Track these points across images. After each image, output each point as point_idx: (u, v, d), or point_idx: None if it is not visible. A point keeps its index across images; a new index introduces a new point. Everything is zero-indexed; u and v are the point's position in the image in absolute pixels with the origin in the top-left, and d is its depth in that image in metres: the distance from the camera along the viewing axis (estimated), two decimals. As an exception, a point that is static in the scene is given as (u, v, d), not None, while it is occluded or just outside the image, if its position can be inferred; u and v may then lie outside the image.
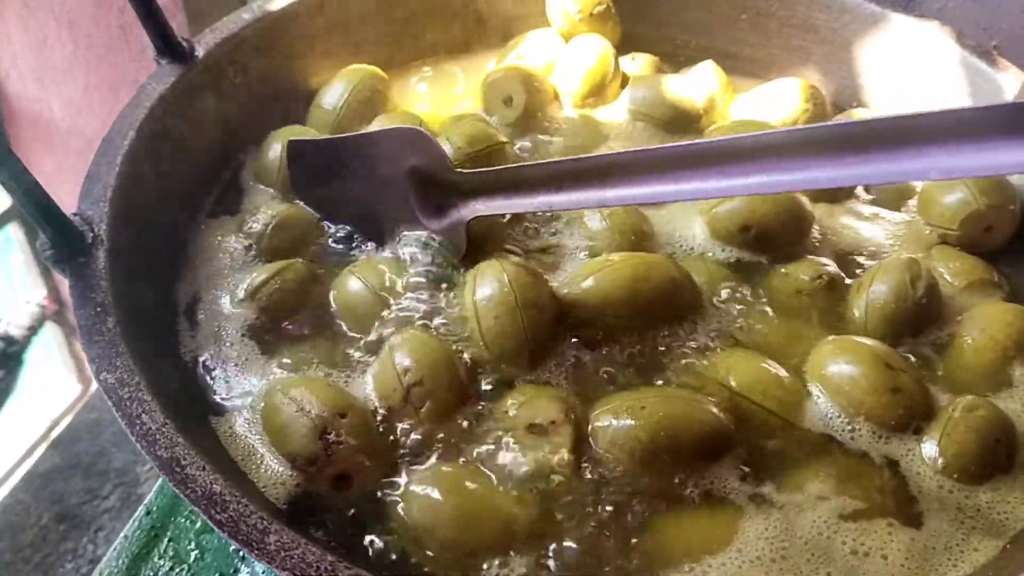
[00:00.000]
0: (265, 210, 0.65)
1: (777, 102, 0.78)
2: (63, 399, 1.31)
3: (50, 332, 1.42)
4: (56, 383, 1.36)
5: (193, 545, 0.64)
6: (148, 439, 0.45)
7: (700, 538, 0.49)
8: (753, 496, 0.51)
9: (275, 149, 0.69)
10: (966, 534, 0.49)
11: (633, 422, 0.52)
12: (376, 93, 0.76)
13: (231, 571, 0.62)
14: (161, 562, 0.63)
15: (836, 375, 0.55)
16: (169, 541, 0.64)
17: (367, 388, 0.55)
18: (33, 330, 1.34)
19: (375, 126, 0.72)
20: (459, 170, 0.61)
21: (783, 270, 0.64)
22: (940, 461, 0.52)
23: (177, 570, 0.63)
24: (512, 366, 0.56)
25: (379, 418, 0.53)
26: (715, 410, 0.53)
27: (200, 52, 0.68)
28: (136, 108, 0.63)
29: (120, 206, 0.57)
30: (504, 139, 0.70)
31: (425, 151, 0.61)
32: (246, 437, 0.52)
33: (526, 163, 0.61)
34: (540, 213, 0.66)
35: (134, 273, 0.55)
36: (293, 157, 0.66)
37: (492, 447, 0.52)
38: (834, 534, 0.49)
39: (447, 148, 0.66)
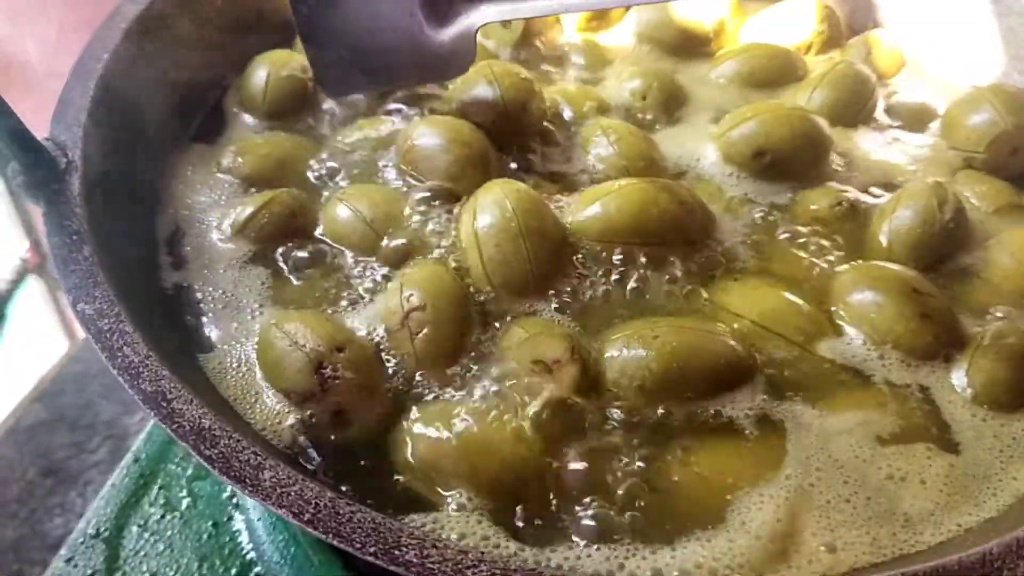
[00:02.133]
0: (248, 138, 0.61)
1: (790, 24, 0.74)
2: (49, 355, 1.27)
3: (34, 286, 1.38)
4: (41, 337, 1.32)
5: (185, 492, 0.61)
6: (131, 372, 0.41)
7: (729, 471, 0.46)
8: (777, 424, 0.48)
9: (259, 75, 0.65)
10: (1004, 462, 0.47)
11: (644, 352, 0.48)
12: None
13: (224, 518, 0.60)
14: (152, 510, 0.60)
15: (861, 302, 0.52)
16: (160, 488, 0.61)
17: (371, 321, 0.52)
18: (15, 283, 1.30)
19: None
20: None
21: (800, 196, 0.60)
22: (969, 391, 0.49)
23: (168, 518, 0.60)
24: (515, 296, 0.52)
25: (382, 353, 0.50)
26: (731, 340, 0.50)
27: (176, -27, 0.64)
28: (110, 30, 0.59)
29: (95, 132, 0.53)
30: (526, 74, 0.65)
31: None
32: (238, 375, 0.49)
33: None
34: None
35: (111, 201, 0.52)
36: None
37: (496, 384, 0.49)
38: (870, 458, 0.46)
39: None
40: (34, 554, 0.85)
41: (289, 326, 0.49)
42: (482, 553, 0.37)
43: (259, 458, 0.38)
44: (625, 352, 0.49)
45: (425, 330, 0.50)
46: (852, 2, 0.78)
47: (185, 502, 0.60)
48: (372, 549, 0.36)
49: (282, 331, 0.48)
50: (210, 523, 0.59)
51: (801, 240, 0.58)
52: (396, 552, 0.36)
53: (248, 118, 0.65)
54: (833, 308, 0.53)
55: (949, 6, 0.72)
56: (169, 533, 0.59)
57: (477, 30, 0.59)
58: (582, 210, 0.56)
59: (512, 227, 0.52)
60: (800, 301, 0.53)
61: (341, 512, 0.37)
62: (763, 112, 0.62)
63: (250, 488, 0.37)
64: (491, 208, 0.53)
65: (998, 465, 0.46)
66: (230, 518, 0.59)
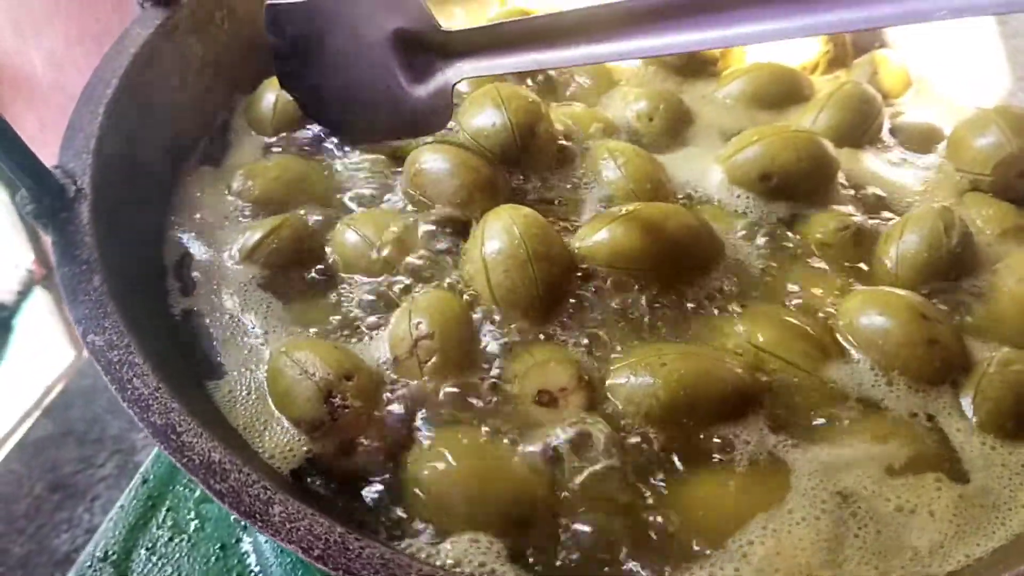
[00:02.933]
0: (257, 161, 0.62)
1: (796, 44, 0.74)
2: (55, 366, 1.28)
3: (40, 298, 1.39)
4: (47, 350, 1.32)
5: (193, 515, 0.61)
6: (141, 404, 0.42)
7: (734, 502, 0.46)
8: (783, 454, 0.48)
9: (268, 98, 0.65)
10: (1013, 491, 0.47)
11: (652, 380, 0.49)
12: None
13: (233, 540, 0.60)
14: (160, 532, 0.61)
15: (868, 327, 0.52)
16: (168, 511, 0.62)
17: (380, 348, 0.52)
18: (22, 295, 1.31)
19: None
20: (444, 29, 0.58)
21: (807, 220, 0.60)
22: (975, 419, 0.49)
23: (176, 540, 0.60)
24: (524, 322, 0.52)
25: (389, 382, 0.50)
26: (739, 368, 0.50)
27: (185, -5, 0.64)
28: (119, 55, 0.59)
29: (104, 158, 0.53)
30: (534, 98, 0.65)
31: (408, 11, 0.58)
32: (247, 403, 0.49)
33: (512, 19, 0.58)
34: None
35: (120, 228, 0.52)
36: (272, 25, 0.62)
37: (506, 413, 0.49)
38: (879, 490, 0.46)
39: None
40: (41, 570, 0.85)
41: (299, 354, 0.49)
42: (492, 588, 0.37)
43: (269, 492, 0.39)
44: (632, 379, 0.49)
45: (434, 358, 0.50)
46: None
47: (193, 524, 0.61)
48: (381, 585, 0.36)
49: (292, 359, 0.49)
50: (218, 545, 0.60)
51: (808, 264, 0.58)
52: (405, 588, 0.36)
53: (258, 139, 0.65)
54: (840, 334, 0.53)
55: (955, 26, 0.72)
56: (177, 556, 0.59)
57: (454, 86, 0.60)
58: (590, 235, 0.56)
59: (520, 253, 0.52)
60: (807, 327, 0.53)
61: (351, 548, 0.37)
62: (769, 135, 0.62)
63: (260, 523, 0.38)
64: (499, 234, 0.53)
65: (1007, 494, 0.46)
66: (238, 540, 0.60)
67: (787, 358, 0.51)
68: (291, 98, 0.65)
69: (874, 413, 0.50)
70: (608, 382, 0.50)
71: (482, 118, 0.62)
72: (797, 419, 0.49)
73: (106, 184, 0.52)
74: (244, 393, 0.50)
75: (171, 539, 0.60)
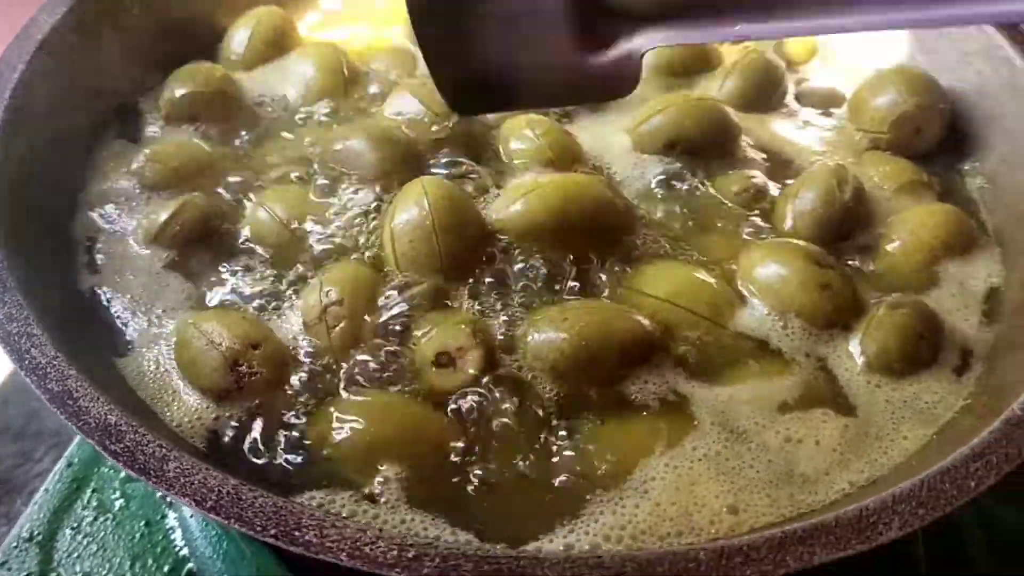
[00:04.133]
0: (158, 145, 0.62)
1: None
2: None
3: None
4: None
5: (118, 494, 0.62)
6: (38, 373, 0.42)
7: (639, 443, 0.48)
8: (687, 397, 0.50)
9: (172, 88, 0.66)
10: (896, 424, 0.49)
11: (555, 334, 0.50)
12: (280, 33, 0.72)
13: (158, 517, 0.60)
14: (85, 512, 0.61)
15: (766, 275, 0.54)
16: (93, 492, 0.62)
17: (293, 321, 0.53)
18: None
19: (291, 62, 0.70)
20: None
21: (712, 183, 0.62)
22: (862, 359, 0.52)
23: (102, 519, 0.61)
24: (429, 290, 0.53)
25: (301, 351, 0.51)
26: (638, 316, 0.52)
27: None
28: (27, 40, 0.60)
29: (12, 138, 0.54)
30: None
31: None
32: (156, 375, 0.50)
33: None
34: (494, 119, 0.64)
35: (28, 206, 0.52)
36: None
37: (410, 375, 0.50)
38: (769, 423, 0.48)
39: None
40: (-20, 565, 0.85)
41: (206, 325, 0.50)
42: (380, 530, 0.38)
43: (164, 450, 0.39)
44: (537, 336, 0.51)
45: (342, 324, 0.51)
46: (766, -8, 0.80)
47: (118, 503, 0.61)
48: (272, 531, 0.37)
49: (199, 330, 0.49)
50: (143, 523, 0.60)
51: (715, 225, 0.60)
52: (296, 533, 0.37)
53: (170, 124, 0.66)
54: (741, 283, 0.55)
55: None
56: (102, 534, 0.60)
57: (643, 55, 0.55)
58: (506, 206, 0.57)
59: (427, 224, 0.53)
60: (710, 278, 0.55)
61: (243, 498, 0.38)
62: (672, 104, 0.64)
63: (154, 479, 0.38)
64: (409, 205, 0.55)
65: (890, 426, 0.49)
66: (163, 516, 0.60)
67: (689, 307, 0.53)
68: (205, 89, 0.65)
69: (770, 355, 0.52)
70: (515, 339, 0.51)
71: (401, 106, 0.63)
72: (699, 363, 0.51)
73: (14, 162, 0.53)
74: (152, 367, 0.50)
75: (96, 518, 0.61)
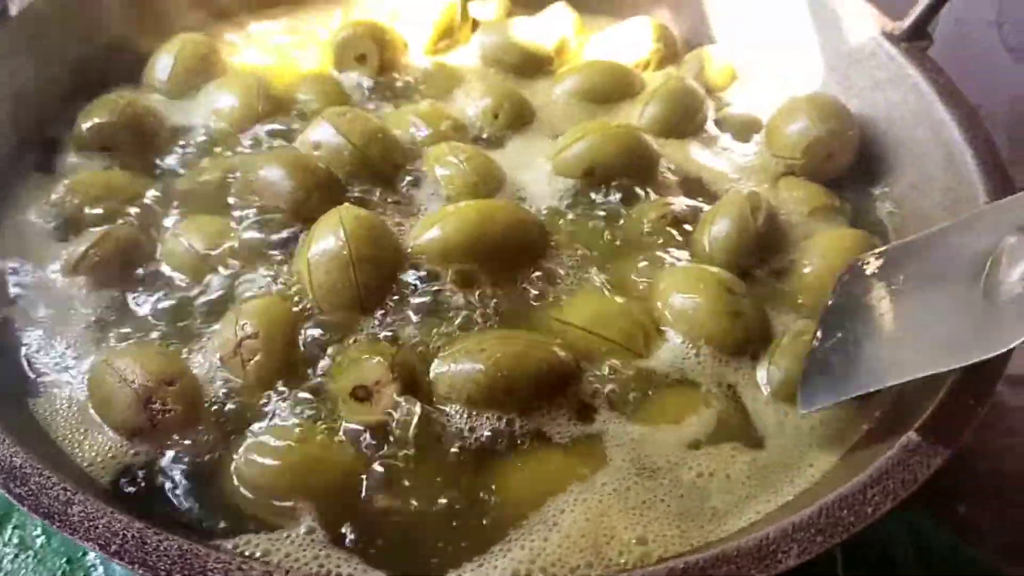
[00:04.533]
0: (77, 176, 0.62)
1: (629, 42, 0.77)
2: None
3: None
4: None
5: (39, 531, 0.61)
6: (-62, 417, 0.42)
7: (551, 477, 0.48)
8: (600, 433, 0.51)
9: (83, 120, 0.65)
10: (803, 451, 0.50)
11: (472, 365, 0.50)
12: (203, 60, 0.72)
13: (79, 554, 0.59)
14: (6, 550, 0.60)
15: (679, 302, 0.55)
16: (14, 528, 0.61)
17: (208, 351, 0.53)
18: None
19: (213, 90, 0.70)
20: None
21: (631, 210, 0.63)
22: (767, 387, 0.53)
23: (23, 556, 0.60)
24: (345, 321, 0.54)
25: (218, 384, 0.51)
26: (557, 348, 0.52)
27: (14, 9, 0.64)
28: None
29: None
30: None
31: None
32: (69, 414, 0.50)
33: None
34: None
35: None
36: (878, 270, 0.52)
37: (327, 409, 0.50)
38: (682, 460, 0.49)
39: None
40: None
41: (119, 362, 0.49)
42: (287, 572, 0.38)
43: (68, 493, 0.39)
44: (453, 367, 0.51)
45: (257, 357, 0.51)
46: (689, 20, 0.81)
47: (39, 541, 0.60)
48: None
49: (112, 367, 0.49)
50: (64, 560, 0.59)
51: (633, 250, 0.61)
52: (202, 576, 0.37)
53: (87, 154, 0.65)
54: (656, 310, 0.56)
55: (776, 23, 0.76)
56: (23, 571, 0.59)
57: None
58: (422, 233, 0.58)
59: (343, 255, 0.54)
60: (628, 306, 0.56)
61: (148, 542, 0.38)
62: (592, 131, 0.65)
63: (59, 523, 0.38)
64: (326, 236, 0.55)
65: (797, 454, 0.50)
66: (84, 553, 0.59)
67: (608, 336, 0.54)
68: (125, 116, 0.65)
69: (683, 387, 0.53)
70: (432, 372, 0.51)
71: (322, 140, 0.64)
72: (616, 395, 0.52)
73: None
74: (65, 405, 0.50)
75: (17, 555, 0.59)
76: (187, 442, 0.48)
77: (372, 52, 0.74)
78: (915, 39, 0.67)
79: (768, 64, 0.77)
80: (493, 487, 0.48)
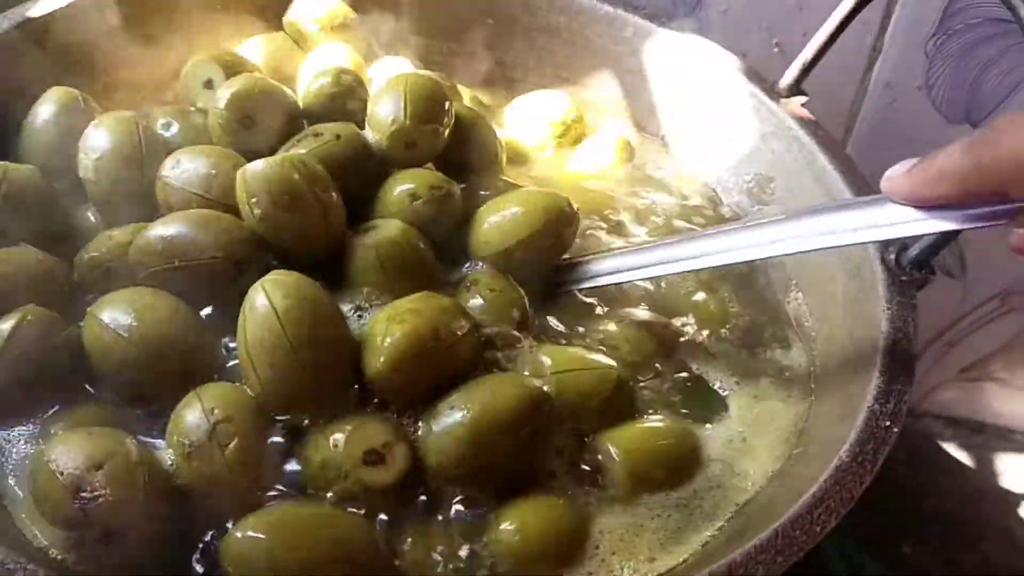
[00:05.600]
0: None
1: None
2: None
3: None
4: None
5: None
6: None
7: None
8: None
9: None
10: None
11: (451, 420, 0.50)
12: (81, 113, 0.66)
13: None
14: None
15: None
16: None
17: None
18: None
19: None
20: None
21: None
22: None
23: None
24: (308, 412, 0.51)
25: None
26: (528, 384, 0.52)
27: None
28: None
29: None
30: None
31: None
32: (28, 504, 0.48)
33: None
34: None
35: None
36: None
37: (336, 481, 0.49)
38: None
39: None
40: None
41: (53, 452, 0.46)
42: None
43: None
44: (434, 427, 0.50)
45: (235, 440, 0.48)
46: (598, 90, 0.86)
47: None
48: None
49: (47, 458, 0.46)
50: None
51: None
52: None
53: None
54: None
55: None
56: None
57: None
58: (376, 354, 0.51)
59: (283, 342, 0.49)
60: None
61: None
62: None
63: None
64: (258, 322, 0.49)
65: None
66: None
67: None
68: (23, 190, 0.60)
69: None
70: (418, 442, 0.51)
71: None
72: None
73: None
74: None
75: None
76: (127, 529, 0.46)
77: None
78: (793, 95, 0.73)
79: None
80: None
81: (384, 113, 0.64)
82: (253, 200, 0.56)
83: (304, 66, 0.79)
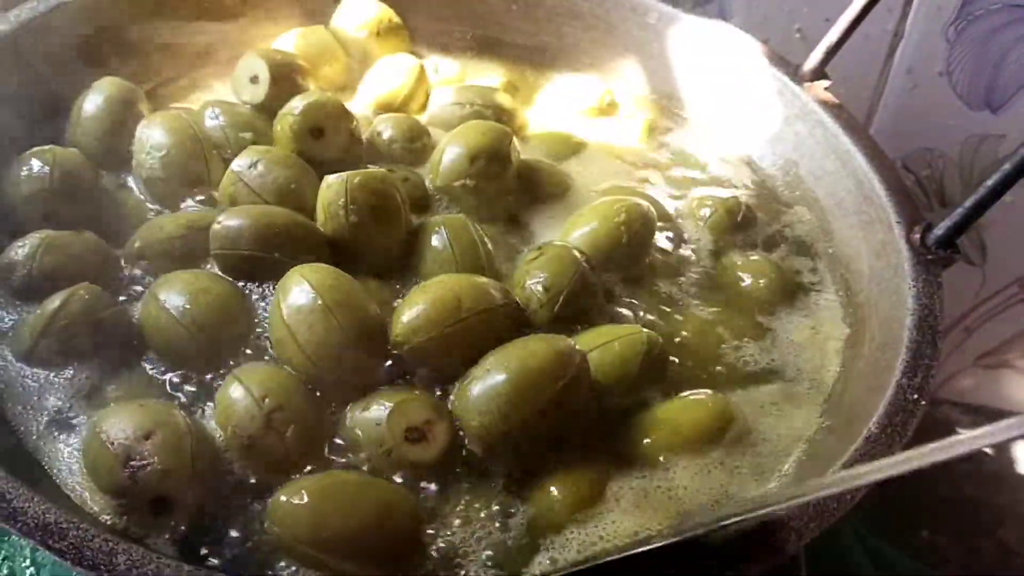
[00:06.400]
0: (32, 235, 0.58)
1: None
2: None
3: None
4: None
5: (28, 562, 0.59)
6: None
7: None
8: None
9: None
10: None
11: (492, 380, 0.51)
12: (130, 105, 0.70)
13: (71, 584, 0.58)
14: (-3, 582, 0.58)
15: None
16: (3, 559, 0.59)
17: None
18: None
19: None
20: None
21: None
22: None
23: (14, 588, 0.58)
24: (349, 374, 0.53)
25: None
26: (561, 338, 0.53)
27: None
28: None
29: None
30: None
31: None
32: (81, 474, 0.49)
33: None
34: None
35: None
36: None
37: (379, 458, 0.50)
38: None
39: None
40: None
41: (105, 424, 0.48)
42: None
43: (111, 543, 0.39)
44: (473, 391, 0.51)
45: (292, 427, 0.50)
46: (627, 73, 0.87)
47: (29, 572, 0.58)
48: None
49: (99, 429, 0.48)
50: (54, 590, 0.57)
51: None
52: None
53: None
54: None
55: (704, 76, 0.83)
56: (13, 604, 0.57)
57: None
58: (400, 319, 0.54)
59: (318, 304, 0.51)
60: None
61: (202, 585, 0.38)
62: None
63: (107, 573, 0.38)
64: (294, 293, 0.53)
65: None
66: (76, 583, 0.58)
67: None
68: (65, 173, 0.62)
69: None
70: (453, 408, 0.52)
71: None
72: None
73: None
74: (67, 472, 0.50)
75: (8, 587, 0.57)
76: (175, 496, 0.47)
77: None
78: (816, 79, 0.75)
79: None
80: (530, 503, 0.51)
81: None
82: (352, 207, 0.59)
83: (369, 76, 0.81)
